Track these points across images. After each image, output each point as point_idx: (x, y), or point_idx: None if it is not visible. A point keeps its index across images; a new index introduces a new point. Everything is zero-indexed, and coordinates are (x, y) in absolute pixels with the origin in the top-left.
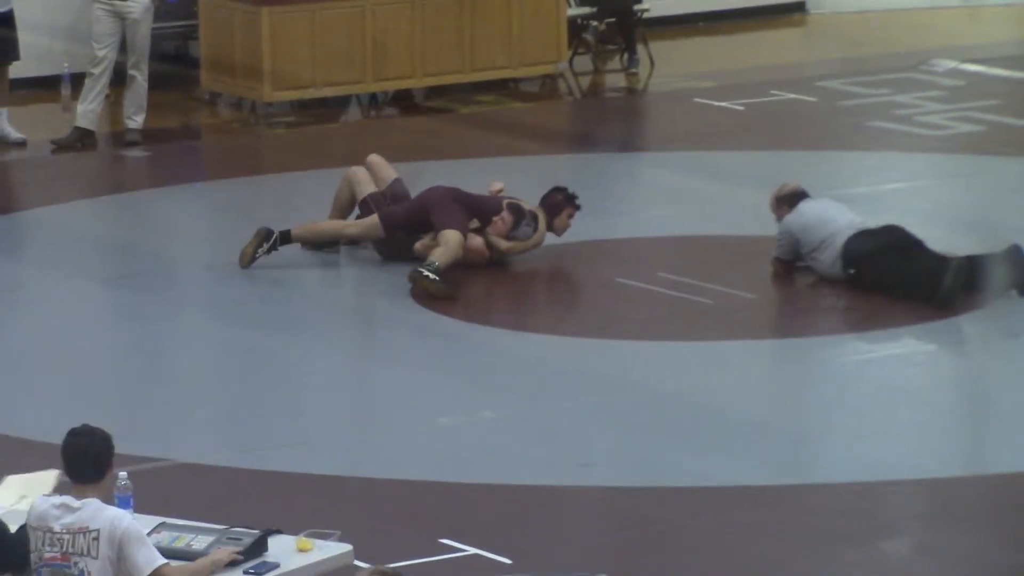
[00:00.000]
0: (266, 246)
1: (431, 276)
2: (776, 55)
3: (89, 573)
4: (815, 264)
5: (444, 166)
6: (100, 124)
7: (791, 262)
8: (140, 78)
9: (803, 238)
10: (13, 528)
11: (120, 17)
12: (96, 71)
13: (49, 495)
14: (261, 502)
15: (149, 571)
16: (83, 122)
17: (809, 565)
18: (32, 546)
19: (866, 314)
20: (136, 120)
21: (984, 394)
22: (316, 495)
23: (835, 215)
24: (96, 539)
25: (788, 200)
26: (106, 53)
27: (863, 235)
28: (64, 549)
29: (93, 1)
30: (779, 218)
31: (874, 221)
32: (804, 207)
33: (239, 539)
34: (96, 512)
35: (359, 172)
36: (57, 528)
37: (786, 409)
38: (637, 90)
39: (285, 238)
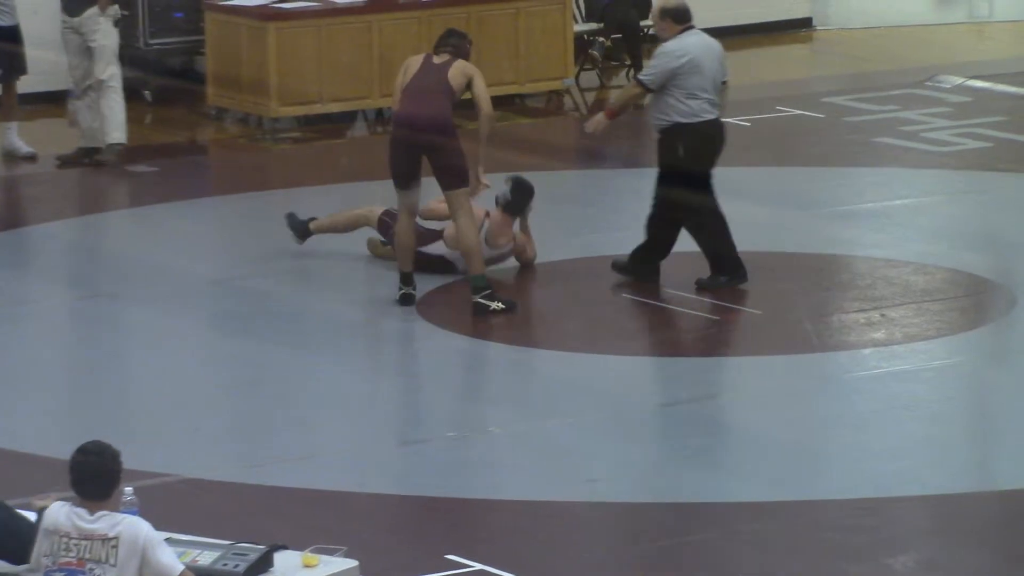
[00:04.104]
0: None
1: (496, 306)
2: (782, 71)
3: None
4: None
5: None
6: (103, 140)
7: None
8: (112, 88)
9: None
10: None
11: (79, 32)
12: (76, 90)
13: (64, 503)
14: (267, 517)
15: (178, 571)
16: (84, 141)
17: None
18: (46, 550)
19: (872, 330)
20: (114, 135)
21: (991, 409)
22: (322, 510)
23: (706, 67)
24: (115, 547)
25: (674, 15)
26: (78, 68)
27: (697, 134)
28: (80, 555)
29: (62, 24)
30: (662, 35)
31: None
32: (693, 41)
33: (245, 554)
34: (114, 521)
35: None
36: (74, 534)
37: (792, 424)
38: (643, 106)
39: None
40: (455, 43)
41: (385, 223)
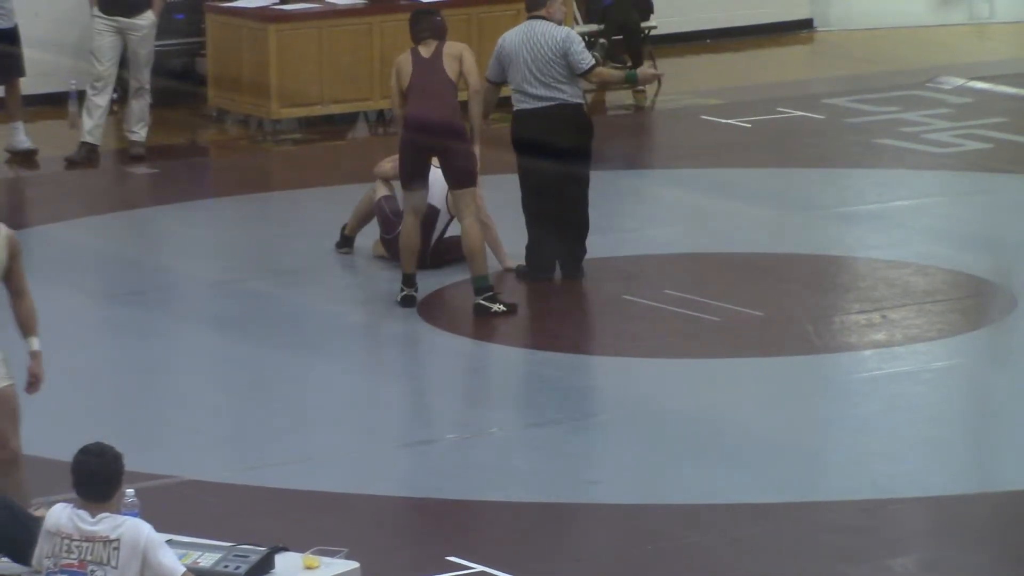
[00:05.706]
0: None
1: (498, 308)
2: (783, 72)
3: None
4: None
5: None
6: (105, 139)
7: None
8: (147, 92)
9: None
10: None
11: (123, 34)
12: (99, 85)
13: (66, 504)
14: (268, 519)
15: (180, 573)
16: (91, 137)
17: None
18: (48, 551)
19: (873, 331)
20: (140, 133)
21: (991, 411)
22: (323, 512)
23: (517, 59)
24: (116, 548)
25: (526, 3)
26: (108, 68)
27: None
28: (82, 556)
29: (94, 16)
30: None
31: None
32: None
33: (246, 556)
34: (115, 522)
35: (380, 183)
36: (76, 536)
37: (793, 426)
38: (644, 107)
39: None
40: (429, 26)
41: (381, 208)
